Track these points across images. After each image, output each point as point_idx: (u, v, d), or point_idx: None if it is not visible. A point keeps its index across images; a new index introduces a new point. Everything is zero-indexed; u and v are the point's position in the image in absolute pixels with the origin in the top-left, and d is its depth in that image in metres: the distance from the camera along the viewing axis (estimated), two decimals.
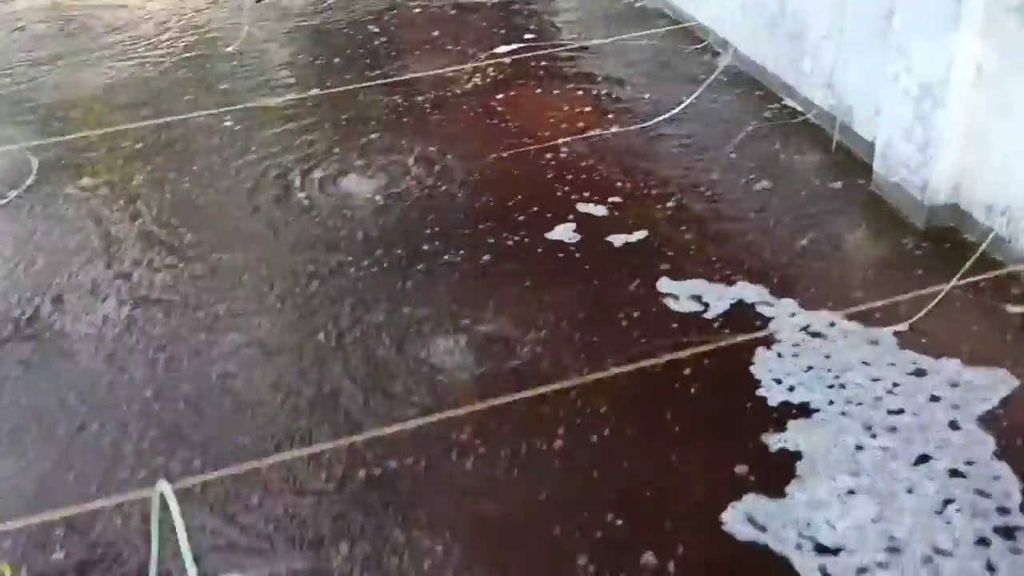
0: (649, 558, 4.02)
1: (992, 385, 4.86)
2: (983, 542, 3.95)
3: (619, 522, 4.20)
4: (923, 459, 4.40)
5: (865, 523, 4.06)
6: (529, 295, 5.73)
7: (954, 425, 4.59)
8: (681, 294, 5.67)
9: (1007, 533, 3.98)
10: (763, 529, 4.10)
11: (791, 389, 4.89)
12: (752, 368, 5.05)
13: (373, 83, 8.79)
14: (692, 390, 4.93)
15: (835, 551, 3.95)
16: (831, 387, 4.88)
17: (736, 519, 4.17)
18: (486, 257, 6.12)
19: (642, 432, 4.70)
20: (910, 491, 4.22)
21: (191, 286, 5.98)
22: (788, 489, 4.29)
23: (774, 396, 4.85)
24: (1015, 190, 5.57)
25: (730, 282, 5.75)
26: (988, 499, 4.15)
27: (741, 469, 4.47)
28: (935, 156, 5.97)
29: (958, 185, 6.05)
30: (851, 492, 4.23)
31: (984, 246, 5.60)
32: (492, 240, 6.30)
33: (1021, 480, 4.22)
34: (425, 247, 6.25)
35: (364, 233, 6.45)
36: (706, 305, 5.55)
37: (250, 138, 7.86)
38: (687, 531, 4.17)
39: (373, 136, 7.81)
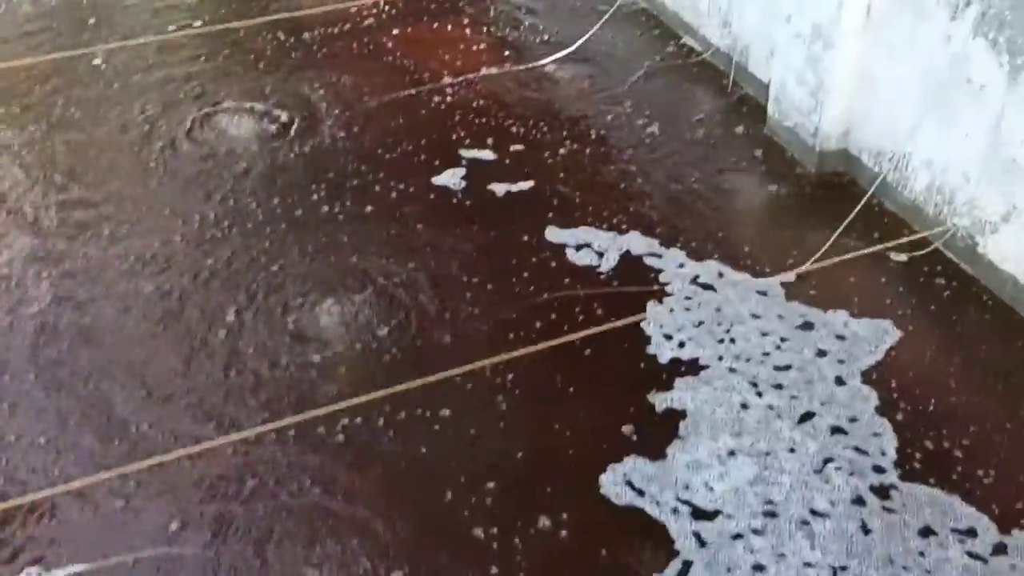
0: (545, 521, 3.94)
1: (877, 337, 4.86)
2: (859, 501, 3.96)
3: (506, 488, 4.11)
4: (807, 416, 4.38)
5: (743, 486, 4.02)
6: (416, 246, 5.52)
7: (840, 381, 4.57)
8: (570, 244, 5.53)
9: (882, 492, 3.99)
10: (640, 493, 4.04)
11: (681, 345, 4.82)
12: (644, 325, 4.95)
13: (260, 19, 8.29)
14: (586, 351, 4.82)
15: (711, 515, 3.91)
16: (721, 342, 4.82)
17: (615, 482, 4.09)
18: (369, 208, 5.86)
19: (535, 396, 4.58)
20: (792, 450, 4.20)
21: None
22: (669, 450, 4.24)
23: (664, 353, 4.78)
24: (900, 136, 5.52)
25: (620, 231, 5.62)
26: (866, 456, 4.16)
27: (627, 429, 4.40)
28: (825, 100, 5.88)
29: (849, 130, 5.98)
30: (732, 453, 4.19)
31: (868, 194, 5.56)
32: (378, 188, 6.04)
33: (898, 437, 4.24)
34: (307, 197, 5.95)
35: (241, 182, 6.11)
36: (599, 254, 5.42)
37: (127, 78, 7.35)
38: (567, 496, 4.09)
39: (257, 76, 7.38)
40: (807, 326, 4.91)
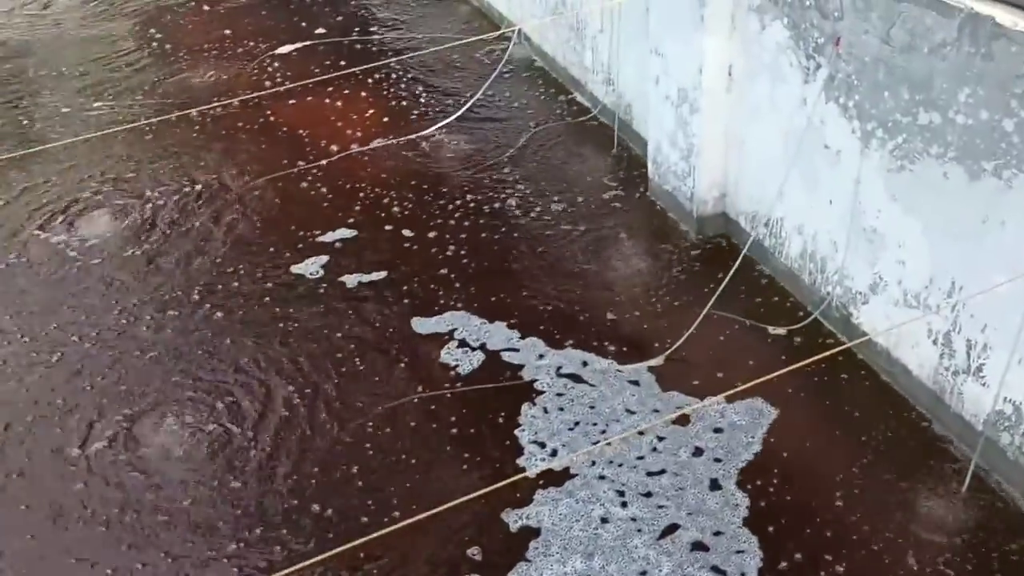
0: None
1: (754, 422, 4.57)
2: None
3: None
4: (670, 530, 4.06)
5: None
6: (277, 344, 5.21)
7: (715, 484, 4.25)
8: (436, 337, 5.23)
9: None
10: None
11: (554, 453, 4.49)
12: (518, 432, 4.62)
13: (137, 96, 8.02)
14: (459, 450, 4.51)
15: None
16: (596, 443, 4.51)
17: None
18: (219, 313, 5.55)
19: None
20: (642, 573, 3.88)
21: None
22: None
23: (535, 463, 4.43)
24: (771, 200, 5.27)
25: (490, 320, 5.32)
26: None
27: (473, 551, 4.08)
28: (698, 164, 5.62)
29: (725, 194, 5.73)
30: None
31: (737, 262, 5.26)
32: (236, 283, 5.72)
33: (764, 552, 3.92)
34: (161, 310, 5.63)
35: (100, 287, 5.79)
36: (466, 350, 5.11)
37: None
38: None
39: (132, 162, 7.08)
40: (683, 420, 4.60)
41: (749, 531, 4.05)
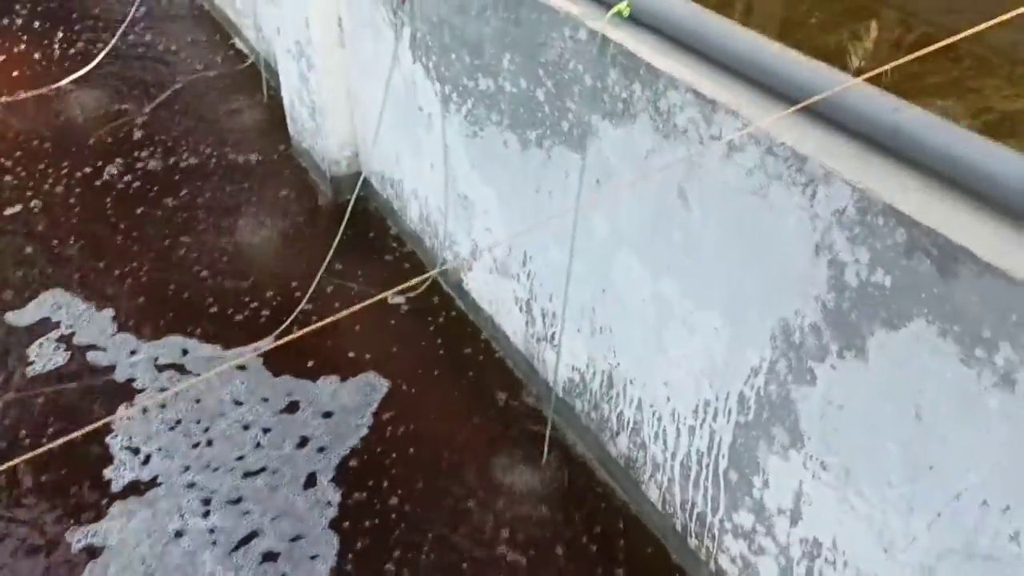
0: None
1: (364, 402, 4.39)
2: None
3: None
4: (247, 540, 3.82)
5: None
6: None
7: (311, 480, 4.03)
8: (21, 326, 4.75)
9: None
10: None
11: (146, 461, 4.14)
12: (111, 439, 4.23)
13: None
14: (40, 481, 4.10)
15: None
16: (196, 446, 4.18)
17: None
18: None
19: None
20: None
21: None
22: None
23: (123, 475, 4.07)
24: (391, 161, 5.04)
25: (93, 302, 4.88)
26: None
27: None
28: (323, 123, 5.31)
29: (358, 153, 5.46)
30: None
31: (342, 226, 5.02)
32: None
33: (337, 559, 3.76)
34: None
35: None
36: (57, 346, 4.66)
37: None
38: None
39: None
40: (292, 407, 4.36)
41: (333, 531, 3.87)
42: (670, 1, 2.95)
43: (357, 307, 3.85)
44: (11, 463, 3.94)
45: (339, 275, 4.98)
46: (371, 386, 4.51)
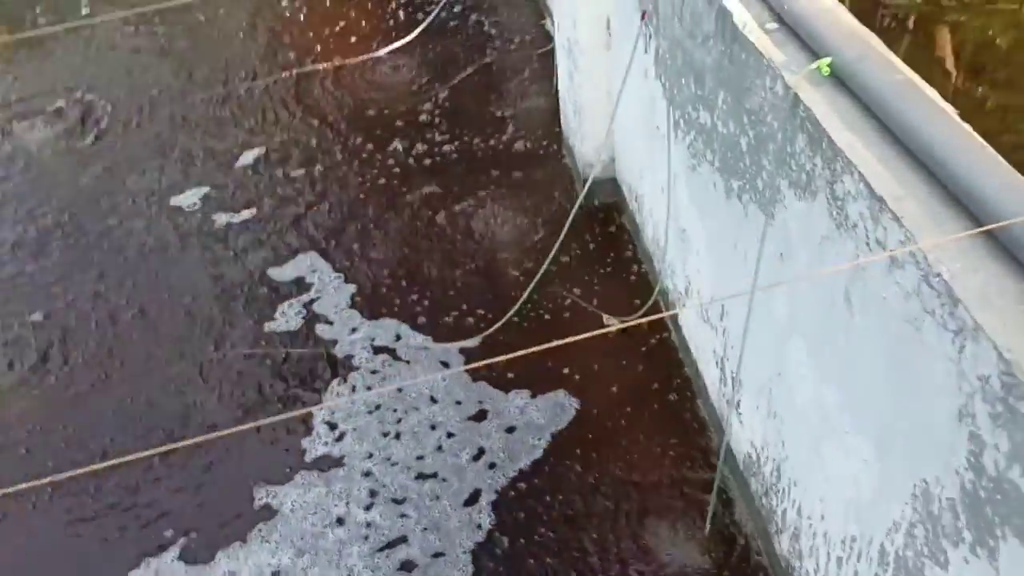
0: None
1: (549, 423, 4.28)
2: None
3: None
4: (394, 543, 3.85)
5: None
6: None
7: (473, 498, 3.99)
8: (283, 283, 5.16)
9: None
10: None
11: (340, 438, 4.34)
12: (316, 409, 4.47)
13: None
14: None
15: None
16: (386, 435, 4.31)
17: None
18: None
19: None
20: None
21: None
22: (220, 554, 3.91)
23: (316, 448, 4.29)
24: (635, 171, 4.78)
25: (344, 272, 5.18)
26: None
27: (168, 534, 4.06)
28: (582, 124, 5.17)
29: (614, 159, 5.25)
30: (275, 574, 3.81)
31: (563, 231, 4.78)
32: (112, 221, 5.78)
33: None
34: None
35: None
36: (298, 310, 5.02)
37: None
38: None
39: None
40: (480, 416, 4.35)
41: (471, 559, 3.81)
42: (877, 65, 2.44)
43: (570, 340, 3.74)
44: (238, 428, 4.34)
45: (564, 278, 4.86)
46: (560, 407, 4.37)
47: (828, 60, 2.54)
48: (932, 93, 2.32)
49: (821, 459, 2.82)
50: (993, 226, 1.91)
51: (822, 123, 2.44)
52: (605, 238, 5.18)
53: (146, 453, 4.12)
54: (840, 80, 2.54)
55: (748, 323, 3.10)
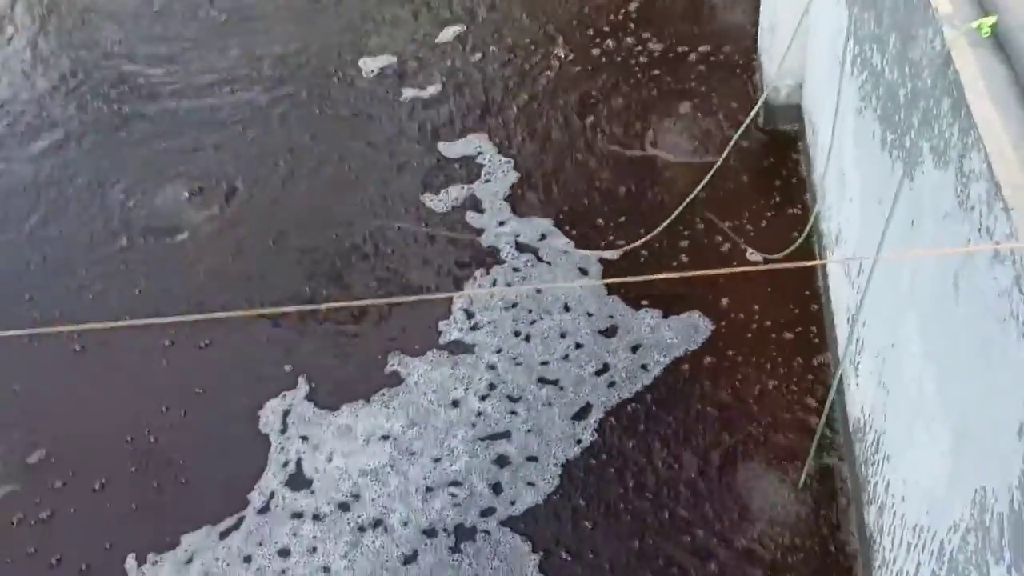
0: None
1: (679, 343, 4.28)
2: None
3: None
4: (497, 436, 4.00)
5: (353, 474, 3.94)
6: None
7: (583, 412, 4.06)
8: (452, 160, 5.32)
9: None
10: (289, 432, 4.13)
11: (474, 328, 4.48)
12: (457, 296, 4.62)
13: None
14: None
15: (308, 483, 3.93)
16: (517, 335, 4.42)
17: (270, 414, 4.21)
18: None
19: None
20: (437, 460, 3.96)
21: None
22: (346, 408, 4.19)
23: (451, 332, 4.46)
24: (817, 101, 4.51)
25: (515, 166, 5.25)
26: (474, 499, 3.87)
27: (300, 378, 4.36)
28: (772, 43, 4.90)
29: (801, 85, 4.97)
30: (384, 438, 4.07)
31: (721, 158, 4.60)
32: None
33: (544, 499, 3.80)
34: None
35: None
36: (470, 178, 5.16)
37: None
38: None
39: None
40: (609, 332, 4.37)
41: (560, 470, 3.89)
42: None
43: (704, 272, 3.75)
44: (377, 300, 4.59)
45: (718, 209, 4.73)
46: (694, 327, 4.35)
47: (991, 20, 2.30)
48: None
49: (911, 441, 2.69)
50: None
51: (966, 89, 2.23)
52: (780, 164, 4.97)
53: (291, 308, 4.48)
54: (1000, 44, 2.29)
55: (868, 286, 2.94)
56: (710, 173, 4.63)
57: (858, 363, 3.45)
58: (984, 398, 2.08)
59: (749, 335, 4.27)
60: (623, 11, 6.13)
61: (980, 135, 2.11)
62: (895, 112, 2.93)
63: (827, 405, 3.58)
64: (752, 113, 4.60)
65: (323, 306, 4.45)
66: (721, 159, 4.63)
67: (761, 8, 5.29)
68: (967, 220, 2.19)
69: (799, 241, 4.37)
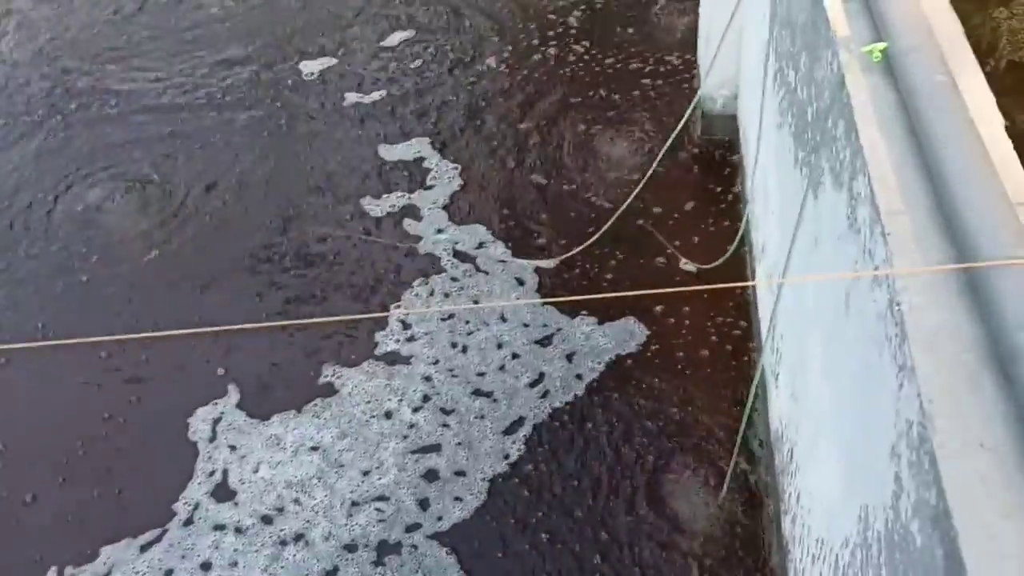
0: None
1: (615, 347, 4.32)
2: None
3: None
4: (426, 450, 4.00)
5: (302, 482, 3.95)
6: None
7: (515, 426, 4.07)
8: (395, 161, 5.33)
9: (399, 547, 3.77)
10: (231, 448, 4.11)
11: (411, 339, 4.49)
12: (394, 307, 4.63)
13: None
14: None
15: (231, 494, 3.92)
16: (454, 346, 4.44)
17: (202, 420, 4.21)
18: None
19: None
20: (368, 473, 3.97)
21: None
22: (276, 417, 4.19)
23: (387, 343, 4.47)
24: (749, 114, 4.57)
25: (460, 173, 5.28)
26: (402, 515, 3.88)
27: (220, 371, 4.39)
28: (707, 51, 4.96)
29: (737, 96, 5.02)
30: (314, 448, 4.05)
31: (655, 165, 4.69)
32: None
33: (471, 515, 3.79)
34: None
35: None
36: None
37: None
38: None
39: None
40: (544, 341, 4.40)
41: (487, 487, 3.88)
42: (926, 59, 2.23)
43: (642, 293, 3.75)
44: (312, 321, 4.58)
45: (654, 217, 4.78)
46: (630, 333, 4.39)
47: (882, 46, 2.35)
48: (979, 99, 2.12)
49: (815, 455, 2.75)
50: (965, 265, 1.77)
51: (855, 112, 2.28)
52: (716, 174, 5.02)
53: (222, 328, 4.45)
54: (891, 69, 2.34)
55: (778, 302, 2.99)
56: (642, 182, 4.68)
57: (777, 374, 3.50)
58: (865, 418, 2.12)
59: (682, 341, 4.31)
60: (565, 21, 6.17)
61: (866, 159, 2.16)
62: (805, 130, 2.98)
63: (745, 415, 3.63)
64: (682, 122, 4.65)
65: (249, 326, 4.43)
66: (653, 167, 4.68)
67: (700, 18, 5.35)
68: (855, 242, 2.23)
69: (730, 251, 4.43)
